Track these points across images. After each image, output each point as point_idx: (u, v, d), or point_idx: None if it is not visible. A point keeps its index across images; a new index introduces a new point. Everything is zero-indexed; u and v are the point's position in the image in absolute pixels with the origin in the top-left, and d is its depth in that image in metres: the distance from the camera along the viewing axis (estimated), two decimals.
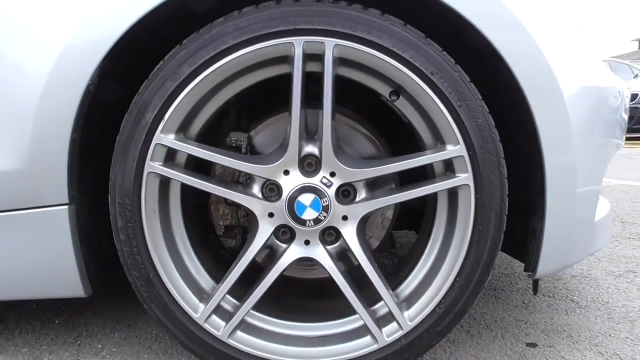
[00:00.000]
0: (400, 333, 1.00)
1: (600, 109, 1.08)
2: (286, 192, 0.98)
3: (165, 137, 0.95)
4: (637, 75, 10.25)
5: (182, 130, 0.99)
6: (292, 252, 1.02)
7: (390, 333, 1.01)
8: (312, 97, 1.00)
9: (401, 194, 1.00)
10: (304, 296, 1.34)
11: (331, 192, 0.98)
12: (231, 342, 1.01)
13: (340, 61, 0.96)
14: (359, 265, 1.01)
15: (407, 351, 1.01)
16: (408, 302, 1.03)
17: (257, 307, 1.02)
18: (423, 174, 1.05)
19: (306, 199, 0.98)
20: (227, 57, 0.93)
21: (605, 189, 3.52)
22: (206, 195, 1.14)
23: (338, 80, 0.97)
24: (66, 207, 0.97)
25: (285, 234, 1.02)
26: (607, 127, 1.12)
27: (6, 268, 1.01)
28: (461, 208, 0.99)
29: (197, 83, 0.94)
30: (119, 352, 1.18)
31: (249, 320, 1.04)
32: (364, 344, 1.01)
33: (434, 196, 1.05)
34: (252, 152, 1.15)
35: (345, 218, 1.00)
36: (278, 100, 1.15)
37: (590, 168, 1.04)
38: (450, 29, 0.97)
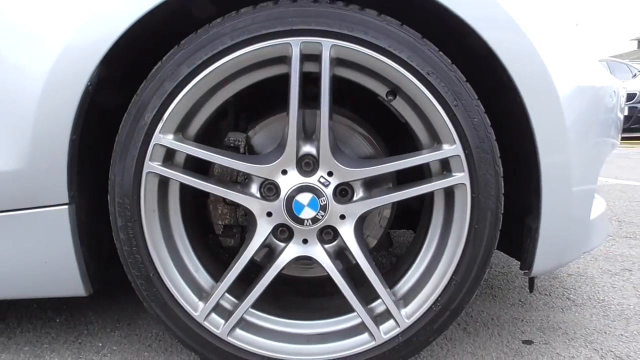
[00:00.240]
0: (397, 330, 1.01)
1: (595, 108, 1.09)
2: (284, 191, 0.99)
3: (164, 138, 0.96)
4: (635, 74, 10.26)
5: (181, 130, 1.00)
6: (291, 251, 1.03)
7: (387, 330, 1.02)
8: (309, 98, 1.00)
9: (398, 193, 1.01)
10: (303, 295, 1.35)
11: (329, 191, 0.99)
12: (230, 339, 1.02)
13: (337, 61, 0.97)
14: (357, 264, 1.02)
15: (404, 348, 1.02)
16: (405, 300, 1.04)
17: (256, 305, 1.03)
18: (420, 174, 1.06)
19: (304, 198, 0.99)
20: (225, 57, 0.94)
21: (602, 188, 3.53)
22: (205, 194, 1.15)
23: (335, 80, 0.98)
24: (66, 207, 0.98)
25: (283, 233, 1.03)
26: (603, 126, 1.13)
27: (7, 267, 1.01)
28: (457, 207, 1.00)
29: (196, 83, 0.95)
30: (120, 350, 1.19)
31: (248, 318, 1.05)
32: (361, 341, 1.02)
33: (430, 195, 1.06)
34: (250, 152, 1.15)
35: (343, 217, 1.01)
36: (276, 101, 1.16)
37: (586, 167, 1.05)
38: (446, 29, 0.98)
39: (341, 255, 1.06)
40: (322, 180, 1.00)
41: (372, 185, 1.08)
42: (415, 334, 1.02)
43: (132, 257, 0.99)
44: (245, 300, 1.01)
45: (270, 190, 1.01)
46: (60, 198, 0.97)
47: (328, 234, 1.03)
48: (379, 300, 1.03)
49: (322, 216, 0.99)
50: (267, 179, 1.01)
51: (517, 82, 0.95)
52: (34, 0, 0.96)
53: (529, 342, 1.23)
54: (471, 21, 0.94)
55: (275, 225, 1.01)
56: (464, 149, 0.96)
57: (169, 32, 1.00)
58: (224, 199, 1.16)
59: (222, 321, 1.02)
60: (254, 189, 1.03)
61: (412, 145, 1.06)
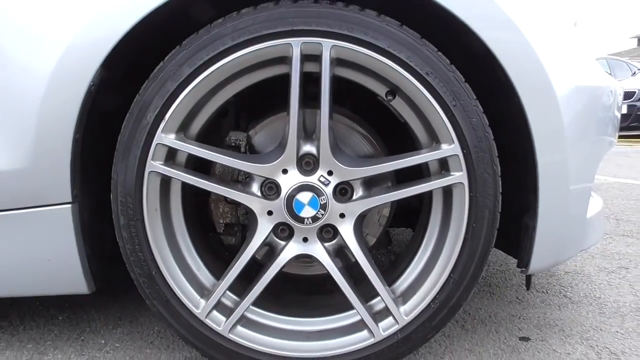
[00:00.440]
0: (396, 327, 1.03)
1: (592, 108, 1.10)
2: (285, 190, 1.00)
3: (166, 137, 0.97)
4: (635, 72, 10.27)
5: (183, 130, 1.01)
6: (291, 249, 1.04)
7: (386, 327, 1.03)
8: (310, 97, 1.02)
9: (397, 192, 1.02)
10: (303, 293, 1.37)
11: (329, 190, 1.01)
12: (232, 336, 1.03)
13: (337, 62, 0.98)
14: (356, 262, 1.03)
15: (402, 345, 1.03)
16: (404, 297, 1.06)
17: (257, 303, 1.05)
18: (419, 173, 1.08)
19: (304, 197, 1.00)
20: (226, 58, 0.95)
21: (600, 187, 3.55)
22: (206, 193, 1.16)
23: (335, 80, 0.99)
24: (69, 205, 0.99)
25: (284, 231, 1.04)
26: (600, 125, 1.14)
27: (12, 265, 1.03)
28: (456, 206, 1.01)
29: (197, 84, 0.96)
30: (122, 347, 1.21)
31: (249, 315, 1.07)
32: (361, 338, 1.04)
33: (429, 194, 1.08)
34: (251, 152, 1.17)
35: (342, 216, 1.02)
36: (276, 100, 1.17)
37: (582, 166, 1.06)
38: (446, 29, 0.99)
39: (341, 254, 1.07)
40: (322, 179, 1.01)
41: (372, 184, 1.09)
42: (413, 331, 1.03)
43: (134, 255, 1.01)
44: (246, 298, 1.02)
45: (271, 189, 1.03)
46: (63, 197, 0.98)
47: (328, 232, 1.04)
48: (378, 298, 1.04)
49: (322, 215, 1.00)
50: (267, 178, 1.02)
51: (514, 81, 0.97)
52: (37, 0, 0.97)
53: (525, 339, 1.25)
54: (469, 21, 0.95)
55: (276, 224, 1.03)
56: (463, 148, 0.97)
57: (170, 32, 1.01)
58: (225, 198, 1.17)
59: (224, 318, 1.03)
60: (255, 188, 1.04)
61: (411, 144, 1.07)
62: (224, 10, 0.98)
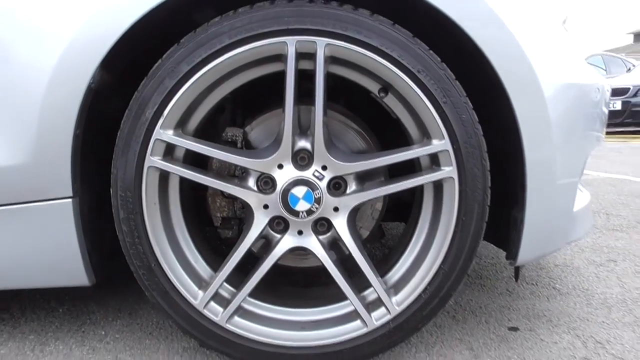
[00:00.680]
0: (388, 317, 1.06)
1: (579, 104, 1.13)
2: (280, 185, 1.03)
3: (164, 133, 1.00)
4: (630, 69, 10.31)
5: (181, 126, 1.03)
6: (286, 242, 1.07)
7: (379, 317, 1.06)
8: (304, 94, 1.04)
9: (389, 186, 1.05)
10: (298, 285, 1.40)
11: (323, 184, 1.04)
12: (229, 326, 1.06)
13: (331, 59, 1.01)
14: (350, 254, 1.07)
15: (394, 334, 1.07)
16: (396, 288, 1.09)
17: (253, 294, 1.08)
18: (411, 168, 1.11)
19: (299, 191, 1.03)
20: (223, 55, 0.98)
21: (592, 182, 3.60)
22: (204, 188, 1.19)
23: (330, 77, 1.02)
24: (70, 200, 1.02)
25: (279, 224, 1.07)
26: (587, 121, 1.17)
27: (15, 258, 1.05)
28: (446, 199, 1.04)
29: (195, 81, 0.99)
30: (122, 338, 1.24)
31: (246, 306, 1.10)
32: (354, 327, 1.07)
33: (420, 188, 1.11)
34: (247, 147, 1.19)
35: (336, 209, 1.05)
36: (272, 97, 1.19)
37: (569, 161, 1.09)
38: (437, 28, 1.01)
39: (335, 246, 1.10)
40: (316, 174, 1.04)
41: (365, 178, 1.12)
42: (405, 321, 1.06)
43: (134, 248, 1.03)
44: (243, 289, 1.05)
45: (266, 183, 1.05)
46: (64, 191, 1.01)
47: (322, 225, 1.07)
48: (371, 289, 1.08)
49: (317, 208, 1.04)
50: (263, 173, 1.05)
51: (503, 79, 0.99)
52: None
53: (514, 329, 1.29)
54: (459, 20, 0.97)
55: (272, 217, 1.06)
56: (453, 144, 1.00)
57: (168, 32, 1.03)
58: (222, 192, 1.20)
59: (221, 309, 1.06)
60: (251, 182, 1.07)
61: (403, 140, 1.10)
62: (221, 10, 1.01)
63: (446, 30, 1.00)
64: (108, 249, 1.15)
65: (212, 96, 1.05)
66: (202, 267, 1.11)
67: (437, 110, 1.00)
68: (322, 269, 1.08)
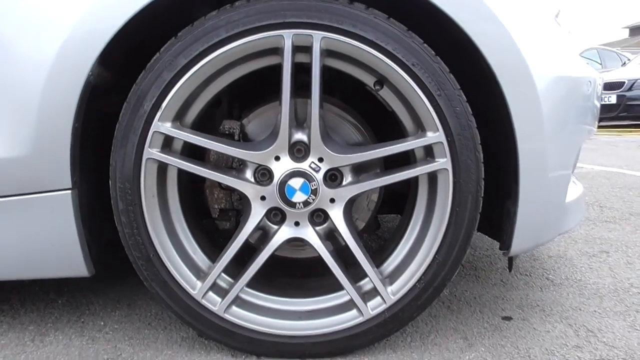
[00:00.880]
0: (383, 307, 1.08)
1: (571, 97, 1.15)
2: (277, 176, 1.05)
3: (162, 125, 1.01)
4: (625, 63, 10.34)
5: (178, 118, 1.05)
6: (283, 233, 1.09)
7: (374, 307, 1.08)
8: (301, 87, 1.06)
9: (384, 177, 1.07)
10: (295, 275, 1.42)
11: (319, 176, 1.05)
12: (227, 316, 1.08)
13: (327, 53, 1.02)
14: (346, 245, 1.08)
15: (390, 323, 1.09)
16: (391, 278, 1.11)
17: (251, 284, 1.09)
18: (406, 159, 1.12)
19: (296, 183, 1.04)
20: (221, 49, 0.99)
21: (587, 175, 3.62)
22: (202, 180, 1.20)
23: (326, 70, 1.03)
24: (69, 191, 1.03)
25: (276, 216, 1.09)
26: (579, 115, 1.19)
27: (16, 249, 1.06)
28: (440, 191, 1.06)
29: (193, 74, 1.00)
30: (121, 328, 1.25)
31: (244, 296, 1.11)
32: (350, 317, 1.09)
33: (415, 180, 1.12)
34: (244, 139, 1.21)
35: (332, 201, 1.07)
36: (269, 90, 1.21)
37: (561, 154, 1.11)
38: (432, 22, 1.03)
39: (331, 237, 1.12)
40: (313, 165, 1.05)
41: (361, 170, 1.14)
42: (400, 310, 1.08)
43: (133, 239, 1.05)
44: (240, 280, 1.07)
45: (264, 175, 1.07)
46: (63, 183, 1.02)
47: (319, 216, 1.09)
48: (367, 279, 1.10)
49: (313, 200, 1.05)
50: (260, 165, 1.06)
51: (496, 72, 1.01)
52: None
53: (508, 319, 1.31)
54: (453, 14, 0.99)
55: (269, 209, 1.07)
56: (447, 136, 1.02)
57: (165, 27, 1.04)
58: (220, 184, 1.21)
59: (219, 299, 1.08)
60: (249, 174, 1.08)
61: (398, 132, 1.12)
62: (218, 3, 1.02)
63: (440, 24, 1.01)
64: (106, 240, 1.17)
65: (210, 89, 1.06)
66: (200, 257, 1.13)
67: (431, 103, 1.01)
68: (319, 260, 1.09)
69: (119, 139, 1.02)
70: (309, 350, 1.09)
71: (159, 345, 1.17)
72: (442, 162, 1.03)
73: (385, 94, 1.07)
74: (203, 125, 1.14)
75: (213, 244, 1.22)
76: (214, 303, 1.08)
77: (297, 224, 1.09)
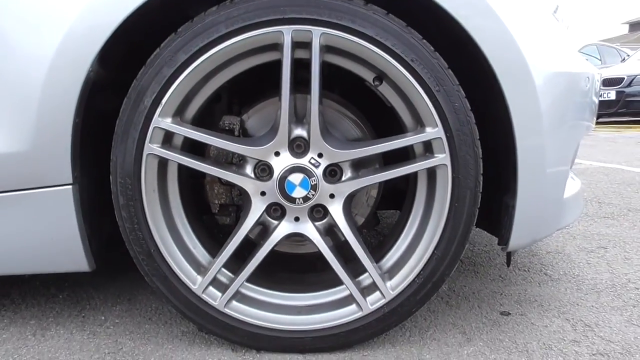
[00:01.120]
0: (383, 301, 1.09)
1: (569, 93, 1.15)
2: (277, 172, 1.05)
3: (162, 121, 1.02)
4: (624, 59, 10.32)
5: (179, 114, 1.05)
6: (283, 228, 1.09)
7: (373, 301, 1.09)
8: (300, 83, 1.06)
9: (384, 173, 1.07)
10: (295, 270, 1.43)
11: (319, 172, 1.06)
12: (227, 311, 1.09)
13: (327, 48, 1.02)
14: (345, 240, 1.09)
15: (389, 318, 1.10)
16: (390, 273, 1.12)
17: (251, 279, 1.10)
18: (405, 155, 1.13)
19: (296, 178, 1.05)
20: (220, 45, 0.99)
21: (585, 171, 3.63)
22: (202, 175, 1.21)
23: (325, 66, 1.04)
24: (70, 187, 1.04)
25: (276, 211, 1.10)
26: (577, 110, 1.19)
27: (16, 244, 1.07)
28: (439, 186, 1.07)
29: (193, 69, 1.00)
30: (122, 323, 1.26)
31: (244, 291, 1.12)
32: (349, 311, 1.10)
33: (414, 175, 1.13)
34: (244, 135, 1.21)
35: (332, 196, 1.08)
36: (268, 86, 1.21)
37: (559, 150, 1.12)
38: (432, 19, 1.03)
39: (331, 232, 1.13)
40: (312, 161, 1.06)
41: (360, 166, 1.14)
42: (399, 305, 1.09)
43: (133, 234, 1.05)
44: (240, 275, 1.08)
45: (263, 170, 1.07)
46: (64, 178, 1.03)
47: (318, 212, 1.10)
48: (366, 274, 1.10)
49: (313, 195, 1.06)
50: (260, 160, 1.07)
51: (495, 68, 1.01)
52: None
53: (506, 314, 1.32)
54: (452, 10, 0.99)
55: (269, 204, 1.08)
56: (446, 131, 1.02)
57: (164, 24, 1.04)
58: (220, 180, 1.22)
59: (219, 294, 1.09)
60: (249, 169, 1.09)
61: (397, 128, 1.12)
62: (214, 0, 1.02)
63: (439, 20, 1.01)
64: (106, 235, 1.17)
65: (210, 84, 1.07)
66: (200, 252, 1.13)
67: (430, 99, 1.01)
68: (319, 255, 1.10)
69: (119, 135, 1.02)
70: (308, 345, 1.10)
71: (159, 339, 1.18)
72: (441, 158, 1.04)
73: (385, 89, 1.08)
74: (203, 120, 1.14)
75: (213, 239, 1.23)
76: (214, 298, 1.08)
77: (297, 219, 1.09)
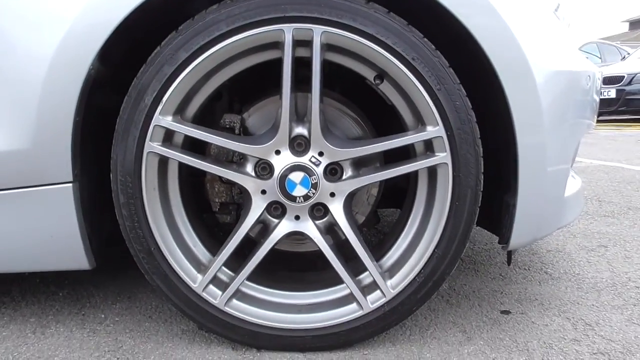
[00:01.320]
0: (383, 300, 1.09)
1: (570, 92, 1.15)
2: (277, 170, 1.05)
3: (163, 119, 1.01)
4: (624, 57, 10.31)
5: (179, 112, 1.05)
6: (284, 227, 1.09)
7: (374, 300, 1.09)
8: (301, 81, 1.06)
9: (384, 172, 1.07)
10: (295, 269, 1.43)
11: (320, 170, 1.06)
12: (227, 309, 1.09)
13: (327, 47, 1.02)
14: (346, 239, 1.09)
15: (389, 317, 1.10)
16: (391, 272, 1.12)
17: (251, 278, 1.10)
18: (405, 154, 1.13)
19: (296, 177, 1.05)
20: (221, 43, 0.99)
21: (586, 169, 3.63)
22: (202, 173, 1.21)
23: (326, 64, 1.03)
24: (70, 184, 1.03)
25: (277, 209, 1.09)
26: (577, 109, 1.19)
27: (17, 242, 1.07)
28: (440, 185, 1.07)
29: (193, 68, 1.00)
30: (122, 321, 1.26)
31: (244, 289, 1.12)
32: (350, 310, 1.10)
33: (415, 174, 1.13)
34: (244, 133, 1.21)
35: (332, 195, 1.08)
36: (269, 84, 1.21)
37: (560, 148, 1.11)
38: (433, 17, 1.03)
39: (331, 231, 1.13)
40: (313, 159, 1.06)
41: (361, 164, 1.14)
42: (400, 304, 1.09)
43: (134, 232, 1.05)
44: (241, 273, 1.08)
45: (264, 169, 1.07)
46: (65, 176, 1.03)
47: (319, 210, 1.10)
48: (367, 272, 1.10)
49: (313, 194, 1.06)
50: (261, 159, 1.06)
51: (496, 66, 1.01)
52: None
53: (506, 312, 1.32)
54: (453, 8, 0.99)
55: (269, 203, 1.08)
56: (446, 130, 1.02)
57: (165, 22, 1.04)
58: (221, 178, 1.22)
59: (220, 292, 1.09)
60: (249, 168, 1.09)
61: (398, 126, 1.12)
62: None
63: (440, 19, 1.01)
64: (106, 233, 1.17)
65: (210, 83, 1.06)
66: (200, 251, 1.13)
67: (431, 97, 1.01)
68: (319, 254, 1.10)
69: (120, 133, 1.02)
70: (309, 343, 1.10)
71: (159, 337, 1.18)
72: (442, 157, 1.04)
73: (385, 88, 1.07)
74: (204, 119, 1.14)
75: (213, 238, 1.23)
76: (214, 296, 1.08)
77: (297, 217, 1.09)
